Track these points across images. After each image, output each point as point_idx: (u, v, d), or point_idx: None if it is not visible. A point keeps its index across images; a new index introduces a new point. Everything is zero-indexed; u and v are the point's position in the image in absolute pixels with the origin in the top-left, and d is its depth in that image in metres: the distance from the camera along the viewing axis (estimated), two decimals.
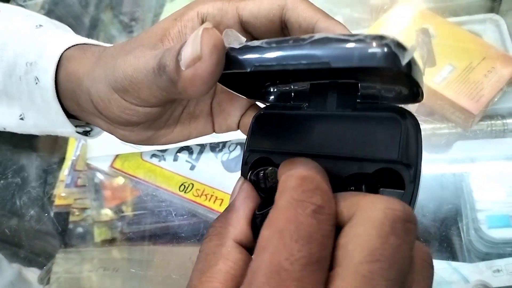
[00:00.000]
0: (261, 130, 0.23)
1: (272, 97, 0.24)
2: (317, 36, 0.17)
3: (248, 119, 0.27)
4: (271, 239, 0.15)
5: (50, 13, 0.73)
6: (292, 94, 0.24)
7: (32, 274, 0.53)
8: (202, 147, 0.53)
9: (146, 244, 0.51)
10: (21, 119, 0.30)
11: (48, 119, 0.29)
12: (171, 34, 0.23)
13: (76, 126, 0.29)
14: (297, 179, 0.16)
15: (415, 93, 0.19)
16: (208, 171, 0.51)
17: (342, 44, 0.16)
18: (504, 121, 0.48)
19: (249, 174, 0.22)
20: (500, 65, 0.48)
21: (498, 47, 0.51)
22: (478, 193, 0.44)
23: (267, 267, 0.14)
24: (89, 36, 0.76)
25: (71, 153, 0.58)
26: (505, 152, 0.47)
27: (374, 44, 0.16)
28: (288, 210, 0.15)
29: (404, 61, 0.16)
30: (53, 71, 0.26)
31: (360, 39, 0.16)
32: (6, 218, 0.57)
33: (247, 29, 0.23)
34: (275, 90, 0.24)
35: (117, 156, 0.54)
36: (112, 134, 0.27)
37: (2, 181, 0.58)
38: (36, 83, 0.27)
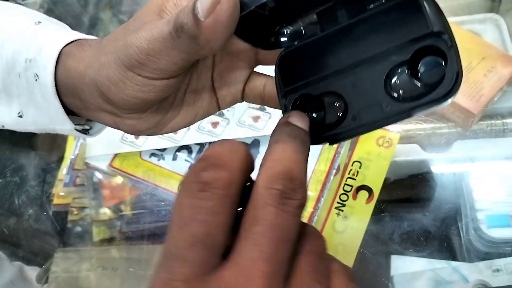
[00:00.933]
0: (287, 70, 0.23)
1: (285, 39, 0.24)
2: None
3: (252, 84, 0.27)
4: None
5: (49, 12, 0.73)
6: (303, 30, 0.24)
7: (34, 272, 0.53)
8: (201, 146, 0.53)
9: (145, 243, 0.51)
10: (20, 116, 0.30)
11: (48, 116, 0.29)
12: (167, 7, 0.24)
13: (75, 124, 0.29)
14: (199, 158, 0.17)
15: None
16: None
17: None
18: (504, 120, 0.48)
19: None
20: (500, 64, 0.48)
21: (498, 47, 0.51)
22: (477, 193, 0.44)
23: (161, 255, 0.16)
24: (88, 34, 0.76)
25: (70, 152, 0.58)
26: (505, 151, 0.47)
27: None
28: (177, 196, 0.17)
29: None
30: (53, 67, 0.26)
31: None
32: (4, 217, 0.56)
33: None
34: (287, 31, 0.24)
35: (116, 155, 0.54)
36: (118, 127, 0.27)
37: (0, 180, 0.58)
38: (36, 79, 0.27)
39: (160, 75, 0.23)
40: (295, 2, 0.20)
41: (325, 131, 0.21)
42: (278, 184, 0.16)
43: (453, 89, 0.19)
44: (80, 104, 0.27)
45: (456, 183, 0.46)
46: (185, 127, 0.28)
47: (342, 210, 0.46)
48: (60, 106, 0.27)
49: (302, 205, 0.17)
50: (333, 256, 0.19)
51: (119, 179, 0.54)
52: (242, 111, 0.52)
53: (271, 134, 0.20)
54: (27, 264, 0.54)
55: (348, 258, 0.43)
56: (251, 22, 0.21)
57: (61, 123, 0.28)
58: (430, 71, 0.19)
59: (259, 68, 0.28)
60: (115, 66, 0.23)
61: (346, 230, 0.45)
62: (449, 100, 0.19)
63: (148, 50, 0.22)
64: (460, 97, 0.46)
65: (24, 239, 0.55)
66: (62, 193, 0.56)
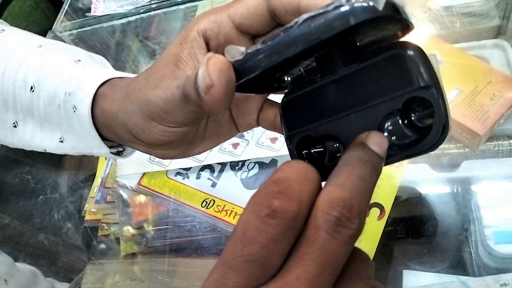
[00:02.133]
0: (290, 115, 0.25)
1: (286, 84, 0.27)
2: (300, 19, 0.19)
3: (265, 114, 0.29)
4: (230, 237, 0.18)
5: (82, 40, 0.79)
6: (303, 73, 0.26)
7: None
8: (223, 165, 0.56)
9: (170, 256, 0.54)
10: (61, 141, 0.33)
11: (85, 142, 0.32)
12: (183, 57, 0.26)
13: (110, 147, 0.32)
14: (267, 181, 0.17)
15: (405, 25, 0.21)
16: (228, 188, 0.54)
17: (321, 18, 0.19)
18: (511, 141, 0.50)
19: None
20: (505, 88, 0.50)
21: (504, 71, 0.53)
22: (485, 210, 0.46)
23: (220, 258, 0.17)
24: (117, 61, 0.81)
25: (101, 171, 0.63)
26: (511, 171, 0.49)
27: (345, 5, 0.18)
28: (245, 212, 0.17)
29: (380, 6, 0.18)
30: (90, 102, 0.29)
31: (335, 6, 0.19)
32: (39, 232, 0.61)
33: (243, 30, 0.26)
34: (287, 77, 0.27)
35: (144, 174, 0.58)
36: (150, 154, 0.30)
37: (41, 197, 0.62)
38: (74, 111, 0.30)
39: (178, 125, 0.26)
40: (289, 58, 0.20)
41: (323, 171, 0.21)
42: (335, 211, 0.16)
43: (438, 141, 0.20)
44: (115, 137, 0.30)
45: (465, 201, 0.48)
46: (210, 149, 0.32)
47: None
48: (97, 135, 0.30)
49: (356, 235, 0.17)
50: (379, 283, 0.19)
51: (146, 197, 0.58)
52: (261, 133, 0.56)
53: (344, 151, 0.20)
54: (59, 277, 0.57)
55: None
56: (250, 81, 0.22)
57: (98, 148, 0.32)
58: (419, 121, 0.21)
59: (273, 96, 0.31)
60: (139, 116, 0.26)
61: (359, 245, 0.47)
62: (436, 149, 0.20)
63: (165, 109, 0.25)
64: (467, 120, 0.49)
65: (57, 253, 0.59)
66: (93, 210, 0.60)
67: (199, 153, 0.31)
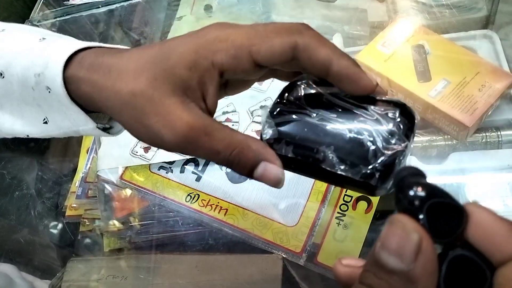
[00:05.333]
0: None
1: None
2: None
3: None
4: None
5: (62, 31, 0.77)
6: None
7: (46, 286, 0.55)
8: None
9: (154, 252, 0.53)
10: (45, 122, 0.31)
11: (69, 120, 0.30)
12: (192, 86, 0.25)
13: (97, 124, 0.31)
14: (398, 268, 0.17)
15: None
16: (213, 182, 0.53)
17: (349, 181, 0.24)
18: (499, 133, 0.50)
19: None
20: (493, 79, 0.50)
21: (492, 62, 0.53)
22: None
23: None
24: None
25: (83, 165, 0.61)
26: (499, 163, 0.48)
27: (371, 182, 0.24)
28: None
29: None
30: (61, 81, 0.27)
31: (363, 177, 0.24)
32: (20, 229, 0.59)
33: (262, 65, 0.25)
34: None
35: (126, 168, 0.56)
36: None
37: (17, 193, 0.60)
38: (49, 91, 0.29)
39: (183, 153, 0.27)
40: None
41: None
42: None
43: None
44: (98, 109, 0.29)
45: (453, 193, 0.47)
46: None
47: (343, 220, 0.47)
48: (80, 109, 0.29)
49: None
50: None
51: (129, 191, 0.57)
52: (246, 124, 0.55)
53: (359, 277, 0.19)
54: (41, 274, 0.56)
55: None
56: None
57: (84, 124, 0.30)
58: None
59: None
60: (141, 131, 0.26)
61: (346, 239, 0.46)
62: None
63: (170, 147, 0.26)
64: (455, 111, 0.48)
65: (38, 250, 0.57)
66: (74, 205, 0.59)
67: None
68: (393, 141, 0.23)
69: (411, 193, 0.18)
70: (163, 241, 0.53)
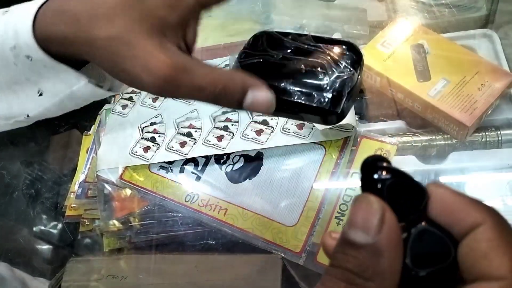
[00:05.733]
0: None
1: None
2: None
3: None
4: None
5: None
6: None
7: (40, 284, 0.55)
8: (207, 159, 0.55)
9: (154, 253, 0.53)
10: (40, 94, 0.31)
11: (62, 82, 0.30)
12: (172, 25, 0.25)
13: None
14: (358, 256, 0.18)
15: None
16: (213, 182, 0.53)
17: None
18: (498, 132, 0.50)
19: None
20: (493, 79, 0.50)
21: (491, 61, 0.53)
22: None
23: None
24: None
25: (82, 165, 0.61)
26: (499, 162, 0.48)
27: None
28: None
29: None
30: (34, 43, 0.27)
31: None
32: (19, 228, 0.59)
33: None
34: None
35: (126, 168, 0.56)
36: None
37: (16, 193, 0.60)
38: (31, 60, 0.28)
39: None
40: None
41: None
42: None
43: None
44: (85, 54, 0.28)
45: None
46: None
47: (342, 219, 0.47)
48: (66, 66, 0.28)
49: None
50: None
51: (128, 191, 0.56)
52: (245, 125, 0.55)
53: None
54: (40, 274, 0.56)
55: None
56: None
57: (76, 82, 0.29)
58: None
59: None
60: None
61: None
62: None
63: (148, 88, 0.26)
64: (454, 111, 0.48)
65: (38, 250, 0.57)
66: (74, 205, 0.58)
67: None
68: (342, 71, 0.28)
69: (375, 176, 0.19)
70: (163, 241, 0.53)
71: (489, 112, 0.50)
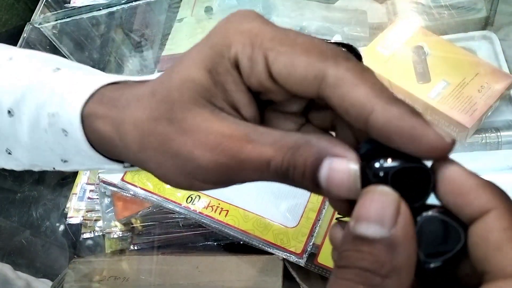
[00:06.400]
0: None
1: None
2: None
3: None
4: None
5: (63, 33, 0.77)
6: None
7: (43, 285, 0.55)
8: None
9: (155, 254, 0.53)
10: (65, 161, 0.27)
11: (91, 163, 0.26)
12: (216, 92, 0.19)
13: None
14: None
15: None
16: None
17: None
18: (498, 134, 0.50)
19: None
20: (493, 80, 0.50)
21: (491, 63, 0.53)
22: None
23: None
24: (101, 55, 0.78)
25: None
26: (499, 164, 0.48)
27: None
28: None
29: None
30: (79, 123, 0.23)
31: None
32: (22, 230, 0.59)
33: (276, 82, 0.19)
34: None
35: None
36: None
37: (19, 194, 0.61)
38: (66, 135, 0.24)
39: (221, 185, 0.20)
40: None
41: None
42: None
43: None
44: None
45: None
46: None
47: (343, 221, 0.48)
48: (101, 157, 0.25)
49: None
50: None
51: (130, 193, 0.57)
52: None
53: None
54: (43, 275, 0.56)
55: None
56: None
57: (108, 167, 0.26)
58: None
59: None
60: (173, 170, 0.20)
61: None
62: None
63: (234, 177, 0.19)
64: (454, 112, 0.49)
65: (40, 251, 0.57)
66: (76, 207, 0.59)
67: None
68: None
69: (376, 164, 0.17)
70: (164, 242, 0.53)
71: (489, 113, 0.50)
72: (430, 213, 0.17)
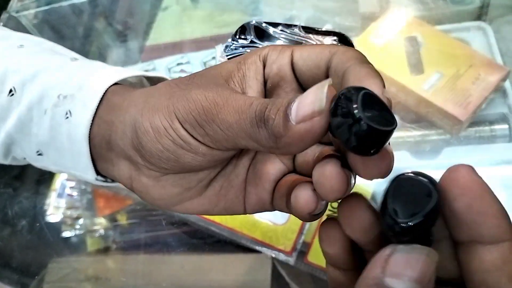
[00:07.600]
0: None
1: None
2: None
3: (283, 191, 0.23)
4: None
5: (43, 22, 0.74)
6: None
7: None
8: None
9: (139, 253, 0.51)
10: (40, 154, 0.28)
11: (70, 160, 0.27)
12: (236, 76, 0.23)
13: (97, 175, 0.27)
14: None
15: None
16: None
17: None
18: (492, 127, 0.49)
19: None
20: (487, 72, 0.49)
21: (485, 55, 0.52)
22: None
23: None
24: (83, 45, 0.76)
25: None
26: (493, 157, 0.47)
27: None
28: None
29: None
30: (95, 104, 0.25)
31: None
32: None
33: (295, 71, 0.23)
34: None
35: None
36: (131, 184, 0.24)
37: None
38: (67, 117, 0.26)
39: (212, 144, 0.20)
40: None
41: None
42: None
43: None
44: (105, 145, 0.25)
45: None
46: (199, 213, 0.25)
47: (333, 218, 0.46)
48: (88, 149, 0.26)
49: None
50: None
51: (111, 189, 0.55)
52: None
53: None
54: (20, 277, 0.54)
55: None
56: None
57: (83, 170, 0.27)
58: None
59: None
60: (165, 111, 0.21)
61: None
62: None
63: (214, 117, 0.19)
64: (448, 105, 0.47)
65: (18, 250, 0.55)
66: (55, 204, 0.57)
67: (185, 212, 0.25)
68: None
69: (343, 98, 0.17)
70: (148, 241, 0.51)
71: (483, 106, 0.49)
72: (403, 175, 0.18)
